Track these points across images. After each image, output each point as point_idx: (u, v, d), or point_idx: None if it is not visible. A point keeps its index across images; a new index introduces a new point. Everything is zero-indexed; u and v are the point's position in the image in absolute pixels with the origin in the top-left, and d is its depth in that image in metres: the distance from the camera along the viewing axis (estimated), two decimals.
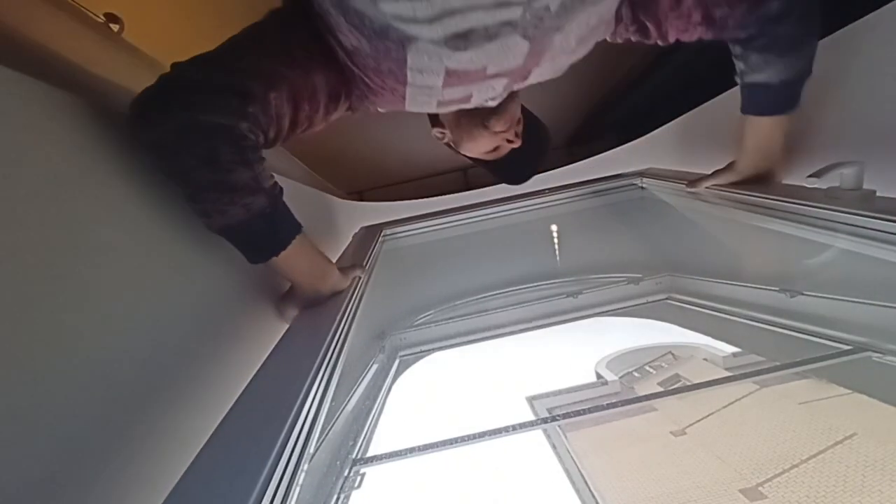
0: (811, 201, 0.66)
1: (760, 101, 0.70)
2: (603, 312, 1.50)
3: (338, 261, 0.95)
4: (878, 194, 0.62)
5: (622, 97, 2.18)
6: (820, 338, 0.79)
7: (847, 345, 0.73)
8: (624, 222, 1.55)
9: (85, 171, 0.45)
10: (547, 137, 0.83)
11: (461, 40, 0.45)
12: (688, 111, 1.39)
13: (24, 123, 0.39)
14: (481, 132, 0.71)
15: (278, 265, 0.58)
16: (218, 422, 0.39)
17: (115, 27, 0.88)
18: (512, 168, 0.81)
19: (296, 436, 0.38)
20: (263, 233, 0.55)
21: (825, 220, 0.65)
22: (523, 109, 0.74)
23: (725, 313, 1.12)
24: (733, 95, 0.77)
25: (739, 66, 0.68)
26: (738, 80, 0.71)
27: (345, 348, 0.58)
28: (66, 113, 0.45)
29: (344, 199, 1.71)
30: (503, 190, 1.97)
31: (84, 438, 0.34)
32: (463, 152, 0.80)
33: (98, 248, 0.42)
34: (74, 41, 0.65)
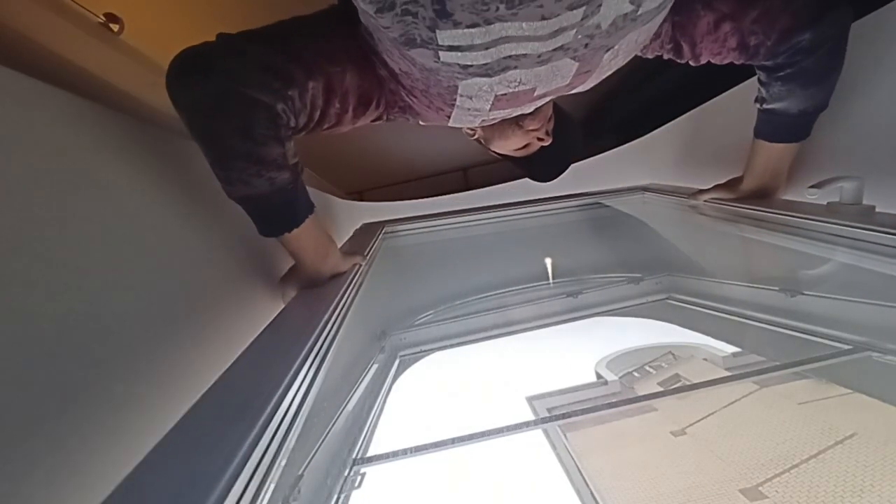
0: (812, 215, 0.67)
1: (776, 128, 0.72)
2: (603, 312, 1.51)
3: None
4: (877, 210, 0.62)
5: (622, 97, 2.18)
6: (820, 338, 0.79)
7: (847, 344, 0.73)
8: (626, 236, 1.55)
9: (84, 168, 0.45)
10: (577, 134, 0.82)
11: (513, 71, 0.45)
12: (687, 112, 1.39)
13: (24, 123, 0.39)
14: (514, 131, 0.70)
15: (287, 241, 0.59)
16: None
17: (114, 27, 0.88)
18: (542, 165, 0.81)
19: (276, 424, 0.34)
20: (282, 208, 0.56)
21: (827, 233, 0.65)
22: (554, 106, 0.74)
23: (725, 313, 1.12)
24: (730, 109, 0.77)
25: (761, 92, 0.69)
26: (757, 104, 0.72)
27: (338, 334, 0.56)
28: (65, 113, 0.45)
29: (344, 198, 1.71)
30: (503, 191, 1.97)
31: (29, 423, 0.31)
32: (493, 149, 0.80)
33: (93, 240, 0.42)
34: (75, 41, 0.65)
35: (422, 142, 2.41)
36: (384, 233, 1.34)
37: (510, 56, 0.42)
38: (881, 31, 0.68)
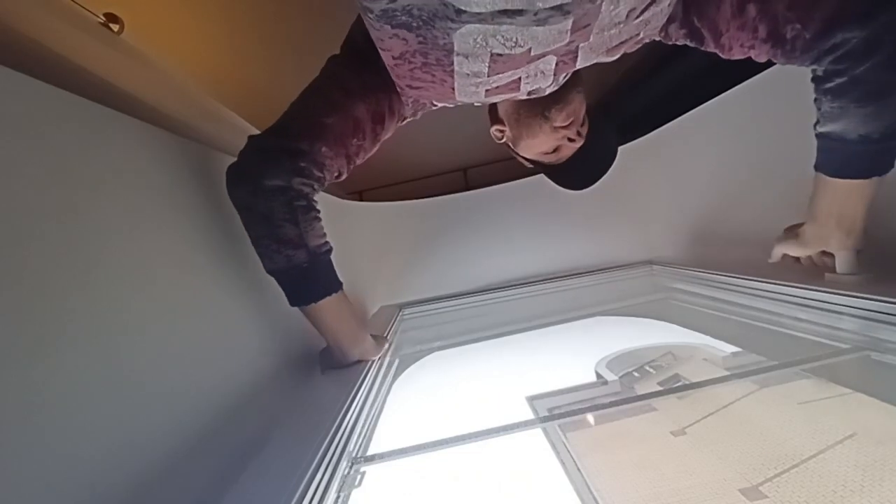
0: (812, 285, 0.71)
1: (833, 159, 0.58)
2: (603, 312, 1.51)
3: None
4: None
5: (620, 100, 2.18)
6: (820, 337, 0.79)
7: (846, 343, 0.73)
8: (635, 309, 1.58)
9: (86, 170, 0.45)
10: (612, 146, 0.77)
11: (507, 26, 0.43)
12: (684, 114, 1.39)
13: (24, 123, 0.39)
14: (541, 124, 0.68)
15: (309, 314, 0.66)
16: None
17: (115, 27, 0.88)
18: (573, 171, 0.77)
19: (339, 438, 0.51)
20: (298, 282, 0.64)
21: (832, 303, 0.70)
22: (593, 114, 0.70)
23: (725, 313, 1.12)
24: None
25: (817, 112, 0.58)
26: (814, 129, 0.60)
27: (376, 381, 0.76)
28: (66, 113, 0.45)
29: (344, 198, 1.71)
30: (503, 197, 1.96)
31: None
32: (521, 152, 0.77)
33: (97, 243, 0.42)
34: (75, 41, 0.65)
35: (422, 142, 2.41)
36: (402, 315, 1.47)
37: (504, 10, 0.41)
38: None
